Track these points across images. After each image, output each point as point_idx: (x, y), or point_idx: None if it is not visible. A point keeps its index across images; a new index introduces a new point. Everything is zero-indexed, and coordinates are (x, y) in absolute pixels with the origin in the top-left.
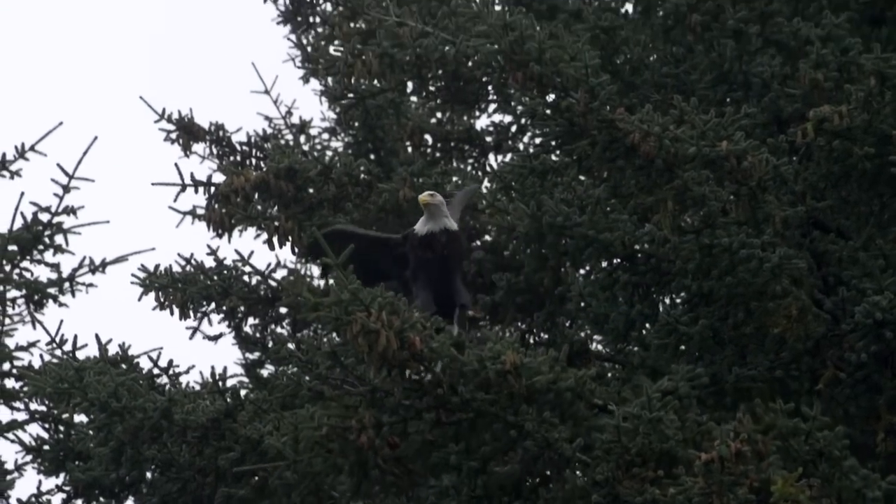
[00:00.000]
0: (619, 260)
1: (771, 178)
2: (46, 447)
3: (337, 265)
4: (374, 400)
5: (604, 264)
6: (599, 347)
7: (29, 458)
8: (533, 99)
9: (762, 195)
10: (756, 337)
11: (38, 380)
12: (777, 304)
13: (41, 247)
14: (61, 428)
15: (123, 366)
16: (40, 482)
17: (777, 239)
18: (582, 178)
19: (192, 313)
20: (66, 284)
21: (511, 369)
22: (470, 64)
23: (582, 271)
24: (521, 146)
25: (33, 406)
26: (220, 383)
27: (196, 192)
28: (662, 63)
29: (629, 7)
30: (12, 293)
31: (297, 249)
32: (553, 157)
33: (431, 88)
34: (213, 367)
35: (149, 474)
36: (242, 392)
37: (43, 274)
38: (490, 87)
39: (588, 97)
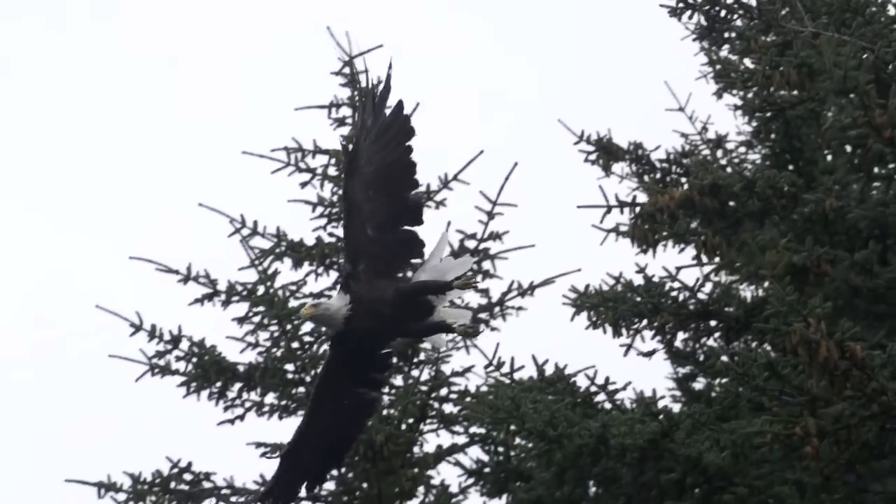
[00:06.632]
0: None
1: None
2: (487, 469)
3: (774, 276)
4: (814, 409)
5: None
6: None
7: (471, 480)
8: None
9: None
10: None
11: (477, 409)
12: None
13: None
14: (500, 450)
15: (559, 385)
16: (484, 503)
17: None
18: None
19: (624, 331)
20: (497, 309)
21: None
22: (890, 69)
23: None
24: None
25: (473, 429)
26: (653, 405)
27: (621, 212)
28: None
29: None
30: None
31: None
32: None
33: (851, 96)
34: (640, 392)
35: (591, 490)
36: (676, 407)
37: (473, 300)
38: None
39: None
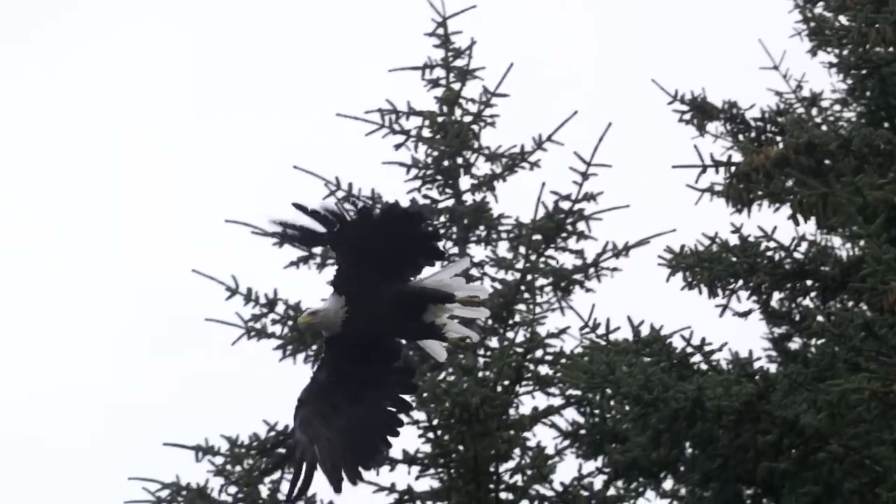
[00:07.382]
0: None
1: None
2: (583, 431)
3: (870, 235)
4: None
5: None
6: None
7: (566, 442)
8: None
9: None
10: None
11: (571, 373)
12: None
13: (564, 234)
14: (596, 412)
15: (655, 346)
16: (580, 466)
17: None
18: None
19: (719, 291)
20: (592, 270)
21: None
22: None
23: None
24: None
25: (568, 391)
26: (748, 366)
27: (716, 172)
28: None
29: None
30: (540, 281)
31: (821, 223)
32: None
33: None
34: (736, 353)
35: (687, 452)
36: (772, 367)
37: (568, 261)
38: None
39: None
